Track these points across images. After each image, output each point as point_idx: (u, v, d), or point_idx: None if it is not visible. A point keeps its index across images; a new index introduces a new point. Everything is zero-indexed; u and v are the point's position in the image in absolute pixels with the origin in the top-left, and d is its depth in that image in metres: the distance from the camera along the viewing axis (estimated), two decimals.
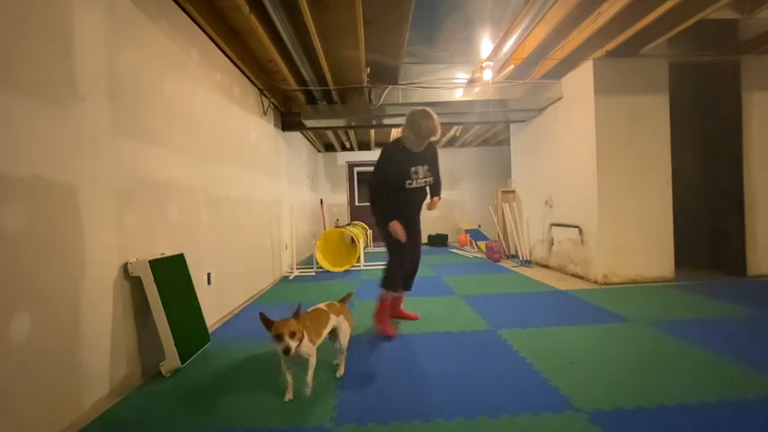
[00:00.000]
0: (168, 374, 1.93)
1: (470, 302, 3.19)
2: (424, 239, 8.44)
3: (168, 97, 2.27)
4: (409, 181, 2.43)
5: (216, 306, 2.85)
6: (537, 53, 3.83)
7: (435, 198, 2.61)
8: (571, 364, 1.91)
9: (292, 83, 3.93)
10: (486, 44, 3.87)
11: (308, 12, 2.59)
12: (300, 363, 1.66)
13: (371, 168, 2.61)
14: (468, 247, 7.16)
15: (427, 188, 2.59)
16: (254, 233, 3.78)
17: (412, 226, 2.58)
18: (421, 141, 2.41)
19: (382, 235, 2.56)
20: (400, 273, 2.57)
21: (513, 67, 4.10)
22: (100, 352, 1.67)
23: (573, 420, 1.42)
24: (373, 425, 1.44)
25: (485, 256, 5.94)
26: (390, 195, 2.46)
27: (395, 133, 7.36)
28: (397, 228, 2.40)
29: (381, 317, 2.54)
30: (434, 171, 2.53)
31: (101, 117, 1.71)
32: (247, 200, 3.59)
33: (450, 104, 4.52)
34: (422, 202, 2.62)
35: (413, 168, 2.43)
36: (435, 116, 2.38)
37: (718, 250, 4.10)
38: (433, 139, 2.41)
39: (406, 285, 2.72)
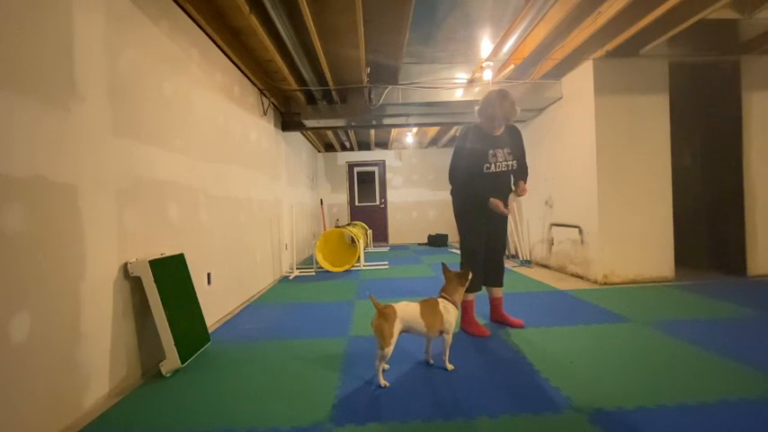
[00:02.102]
0: (168, 374, 1.93)
1: None
2: (424, 239, 8.45)
3: (168, 97, 2.27)
4: (487, 165, 2.30)
5: (216, 306, 2.85)
6: (537, 53, 3.84)
7: (521, 182, 2.34)
8: (571, 363, 1.91)
9: (292, 83, 3.93)
10: (486, 44, 3.88)
11: (307, 12, 2.59)
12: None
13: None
14: None
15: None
16: (254, 233, 3.78)
17: (497, 216, 2.42)
18: (498, 124, 2.32)
19: (457, 227, 2.47)
20: (476, 271, 2.37)
21: (513, 67, 4.11)
22: (100, 352, 1.67)
23: (573, 420, 1.42)
24: (373, 425, 1.44)
25: None
26: (469, 182, 2.34)
27: (395, 134, 7.38)
28: (497, 204, 2.26)
29: (467, 319, 2.42)
30: (517, 155, 2.37)
31: (101, 117, 1.71)
32: (247, 200, 3.59)
33: (450, 104, 4.52)
34: (507, 189, 2.42)
35: (491, 151, 2.30)
36: (512, 97, 2.29)
37: (718, 250, 4.10)
38: (513, 119, 2.32)
39: (496, 280, 2.52)
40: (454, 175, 2.41)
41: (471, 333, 2.40)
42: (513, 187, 2.47)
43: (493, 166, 2.31)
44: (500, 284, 2.56)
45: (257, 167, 3.93)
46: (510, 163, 2.35)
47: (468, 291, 2.38)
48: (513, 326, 2.52)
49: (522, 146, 2.44)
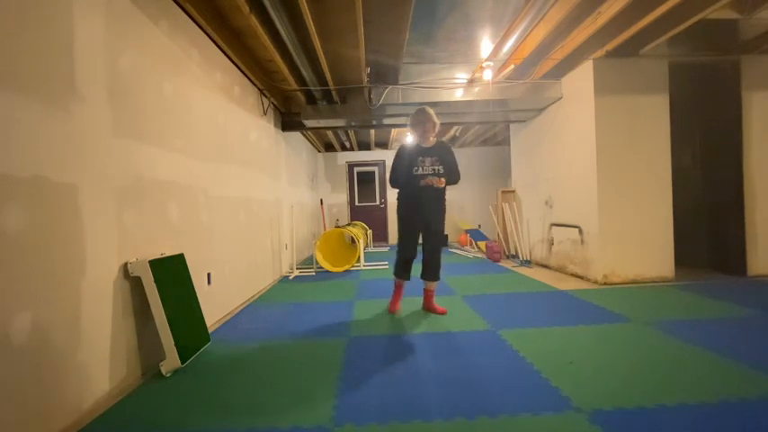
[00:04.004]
0: (168, 374, 1.93)
1: (470, 302, 3.19)
2: None
3: (168, 97, 2.27)
4: (416, 168, 2.80)
5: (216, 306, 2.85)
6: (537, 53, 3.83)
7: (442, 178, 2.80)
8: (571, 363, 1.91)
9: (292, 83, 3.93)
10: (486, 44, 3.87)
11: (307, 12, 2.59)
12: None
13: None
14: (468, 247, 7.16)
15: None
16: (254, 233, 3.78)
17: (428, 215, 2.86)
18: (424, 135, 2.84)
19: (398, 225, 3.01)
20: (401, 260, 2.98)
21: (513, 67, 4.10)
22: (100, 352, 1.67)
23: (573, 420, 1.42)
24: (373, 425, 1.44)
25: (485, 256, 5.94)
26: (403, 182, 2.86)
27: (395, 134, 7.37)
28: (429, 180, 2.76)
29: (393, 298, 3.06)
30: (446, 164, 2.82)
31: (101, 117, 1.71)
32: (247, 200, 3.59)
33: (450, 104, 4.52)
34: (435, 192, 2.82)
35: (420, 158, 2.82)
36: (429, 111, 2.83)
37: (718, 250, 4.10)
38: (432, 130, 2.83)
39: (430, 275, 2.94)
40: (392, 178, 2.95)
41: (393, 312, 2.95)
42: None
43: (420, 169, 2.80)
44: (433, 279, 2.95)
45: (257, 167, 3.93)
46: (436, 168, 2.80)
47: (394, 275, 3.04)
48: (438, 313, 2.90)
49: (451, 159, 2.87)
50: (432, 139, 2.88)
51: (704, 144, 4.22)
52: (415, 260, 2.99)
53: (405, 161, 2.85)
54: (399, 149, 2.93)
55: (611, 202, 3.68)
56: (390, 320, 2.76)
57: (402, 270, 3.00)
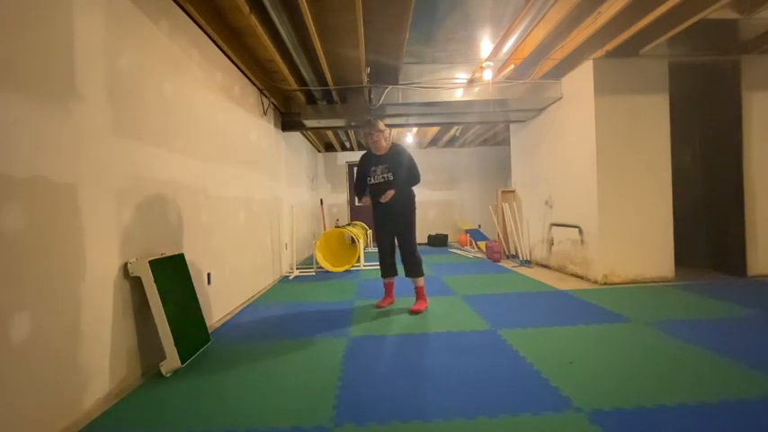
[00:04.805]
0: (168, 374, 1.93)
1: (470, 302, 3.19)
2: (424, 239, 8.44)
3: (168, 97, 2.27)
4: (369, 178, 3.02)
5: (216, 306, 2.85)
6: (537, 53, 3.84)
7: (390, 191, 2.91)
8: (571, 363, 1.91)
9: (292, 83, 3.93)
10: (486, 44, 3.88)
11: (308, 12, 2.59)
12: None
13: None
14: (468, 247, 7.16)
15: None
16: (254, 233, 3.78)
17: (394, 217, 2.99)
18: (375, 145, 2.98)
19: None
20: (380, 261, 3.16)
21: (513, 67, 4.10)
22: (100, 352, 1.67)
23: (573, 420, 1.42)
24: (373, 425, 1.44)
25: (485, 256, 5.94)
26: (361, 191, 3.12)
27: (395, 134, 7.38)
28: (387, 194, 2.91)
29: (387, 294, 3.24)
30: (395, 170, 2.95)
31: (101, 117, 1.71)
32: (247, 200, 3.59)
33: (450, 104, 4.52)
34: (396, 195, 2.93)
35: (372, 168, 3.00)
36: (374, 121, 2.96)
37: (718, 250, 4.11)
38: (381, 139, 2.93)
39: (410, 272, 3.02)
40: (355, 186, 3.18)
41: (378, 307, 3.10)
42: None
43: (373, 178, 2.99)
44: (415, 275, 3.02)
45: (257, 167, 3.93)
46: (386, 176, 2.95)
47: (384, 276, 3.19)
48: (415, 309, 2.94)
49: (404, 162, 2.97)
50: (384, 145, 2.98)
51: (704, 144, 4.22)
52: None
53: (361, 169, 3.06)
54: (360, 159, 3.12)
55: (611, 202, 3.68)
56: (390, 320, 2.76)
57: (384, 270, 3.16)
